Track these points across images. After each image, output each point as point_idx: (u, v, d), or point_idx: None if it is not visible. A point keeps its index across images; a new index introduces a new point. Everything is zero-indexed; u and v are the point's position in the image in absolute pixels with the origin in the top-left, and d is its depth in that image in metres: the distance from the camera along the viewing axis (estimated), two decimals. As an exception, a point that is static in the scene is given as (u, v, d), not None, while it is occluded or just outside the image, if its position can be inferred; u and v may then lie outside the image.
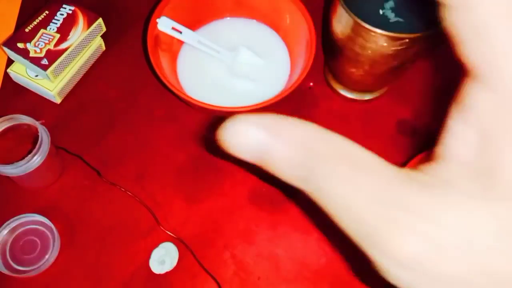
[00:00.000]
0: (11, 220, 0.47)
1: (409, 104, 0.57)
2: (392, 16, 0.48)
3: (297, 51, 0.55)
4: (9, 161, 0.44)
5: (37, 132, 0.45)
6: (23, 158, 0.44)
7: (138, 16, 0.61)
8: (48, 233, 0.48)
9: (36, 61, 0.51)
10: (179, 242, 0.48)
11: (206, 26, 0.59)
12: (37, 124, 0.46)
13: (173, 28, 0.53)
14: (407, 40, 0.43)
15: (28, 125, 0.46)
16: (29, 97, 0.55)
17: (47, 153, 0.46)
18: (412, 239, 0.15)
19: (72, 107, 0.55)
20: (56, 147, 0.50)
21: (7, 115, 0.54)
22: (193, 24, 0.57)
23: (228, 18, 0.59)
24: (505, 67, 0.15)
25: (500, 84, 0.15)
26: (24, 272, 0.46)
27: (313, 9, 0.53)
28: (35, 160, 0.45)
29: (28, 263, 0.47)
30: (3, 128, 0.46)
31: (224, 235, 0.49)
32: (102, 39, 0.58)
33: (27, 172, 0.45)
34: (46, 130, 0.47)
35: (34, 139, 0.46)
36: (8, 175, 0.45)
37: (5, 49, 0.52)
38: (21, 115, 0.46)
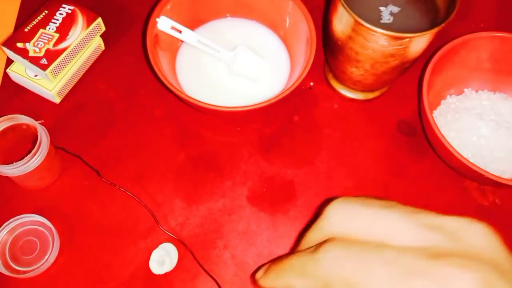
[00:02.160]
0: (11, 220, 0.47)
1: (409, 104, 0.57)
2: (386, 19, 0.48)
3: (297, 51, 0.55)
4: (8, 161, 0.44)
5: (37, 132, 0.45)
6: (22, 158, 0.44)
7: (137, 16, 0.61)
8: (48, 234, 0.48)
9: (35, 60, 0.51)
10: (178, 243, 0.48)
11: (205, 26, 0.59)
12: (36, 124, 0.46)
13: (172, 28, 0.53)
14: (407, 40, 0.43)
15: (28, 125, 0.46)
16: (28, 97, 0.55)
17: (46, 153, 0.46)
18: None
19: (72, 107, 0.55)
20: (55, 147, 0.50)
21: (6, 115, 0.54)
22: (193, 23, 0.57)
23: (228, 17, 0.59)
24: None
25: None
26: (24, 272, 0.46)
27: (313, 8, 0.53)
28: (34, 161, 0.45)
29: (27, 264, 0.47)
30: (2, 128, 0.46)
31: (224, 236, 0.49)
32: (101, 39, 0.58)
33: (26, 172, 0.45)
34: (46, 130, 0.47)
35: (33, 139, 0.45)
36: (7, 175, 0.45)
37: (5, 49, 0.52)
38: (20, 115, 0.46)
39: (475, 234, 0.23)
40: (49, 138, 0.47)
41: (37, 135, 0.45)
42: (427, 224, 0.23)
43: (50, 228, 0.47)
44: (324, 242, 0.24)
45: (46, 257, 0.47)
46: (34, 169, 0.45)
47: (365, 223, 0.24)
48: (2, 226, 0.47)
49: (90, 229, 0.49)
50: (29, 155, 0.44)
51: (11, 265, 0.47)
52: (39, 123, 0.46)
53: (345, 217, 0.25)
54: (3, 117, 0.46)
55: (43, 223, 0.48)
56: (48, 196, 0.50)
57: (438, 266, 0.21)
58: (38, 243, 0.48)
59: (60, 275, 0.47)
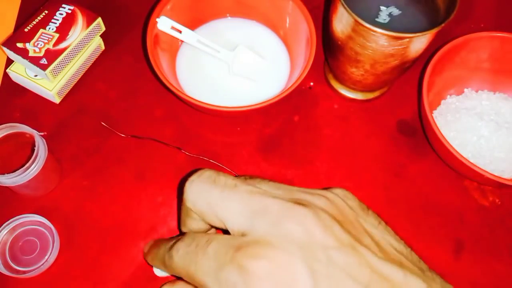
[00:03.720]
0: (11, 220, 0.47)
1: (409, 104, 0.57)
2: (382, 19, 0.48)
3: (297, 51, 0.55)
4: (8, 168, 0.44)
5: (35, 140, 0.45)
6: (22, 165, 0.44)
7: (137, 16, 0.61)
8: (48, 234, 0.48)
9: (35, 60, 0.51)
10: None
11: (205, 26, 0.59)
12: (35, 135, 0.45)
13: (172, 28, 0.53)
14: (407, 40, 0.43)
15: (29, 134, 0.46)
16: (28, 97, 0.55)
17: (42, 165, 0.45)
18: None
19: (72, 107, 0.55)
20: (55, 158, 0.50)
21: (6, 114, 0.54)
22: (193, 23, 0.57)
23: (228, 17, 0.59)
24: None
25: None
26: (24, 272, 0.46)
27: (313, 8, 0.53)
28: (29, 172, 0.44)
29: (27, 264, 0.47)
30: (2, 135, 0.45)
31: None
32: (101, 39, 0.58)
33: (22, 183, 0.45)
34: (44, 141, 0.46)
35: (33, 146, 0.45)
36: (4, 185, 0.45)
37: (5, 49, 0.52)
38: (21, 124, 0.45)
39: (293, 224, 0.26)
40: (47, 149, 0.46)
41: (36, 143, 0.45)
42: (254, 210, 0.27)
43: (50, 228, 0.47)
44: (178, 239, 0.30)
45: (46, 257, 0.47)
46: (30, 180, 0.45)
47: (209, 204, 0.29)
48: (2, 226, 0.47)
49: (90, 229, 0.49)
50: (23, 168, 0.44)
51: (11, 265, 0.47)
52: (41, 135, 0.46)
53: (196, 195, 0.30)
54: (3, 125, 0.45)
55: (43, 223, 0.48)
56: (48, 196, 0.50)
57: (239, 255, 0.25)
58: (38, 243, 0.48)
59: (60, 275, 0.47)
